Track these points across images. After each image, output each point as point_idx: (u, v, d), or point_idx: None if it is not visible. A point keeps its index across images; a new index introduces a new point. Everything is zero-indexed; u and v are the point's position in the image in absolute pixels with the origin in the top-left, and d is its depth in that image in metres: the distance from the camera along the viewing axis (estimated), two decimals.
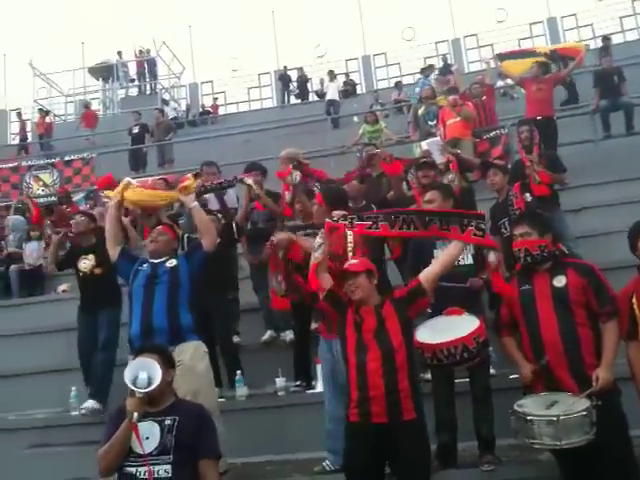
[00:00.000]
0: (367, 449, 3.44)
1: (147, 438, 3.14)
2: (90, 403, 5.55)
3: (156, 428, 3.18)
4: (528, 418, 3.35)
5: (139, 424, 3.14)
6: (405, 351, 3.50)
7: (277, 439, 5.10)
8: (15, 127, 19.76)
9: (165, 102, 19.28)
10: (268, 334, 6.25)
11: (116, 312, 5.81)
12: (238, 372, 5.52)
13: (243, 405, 5.38)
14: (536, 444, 3.36)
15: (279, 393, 5.45)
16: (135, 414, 3.09)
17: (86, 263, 5.84)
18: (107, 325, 5.73)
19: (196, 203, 4.78)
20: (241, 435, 4.91)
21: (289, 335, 5.99)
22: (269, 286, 5.93)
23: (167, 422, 3.19)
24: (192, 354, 4.38)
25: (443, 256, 3.87)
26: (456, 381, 4.35)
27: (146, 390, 3.11)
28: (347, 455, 3.62)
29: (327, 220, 3.91)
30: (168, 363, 3.35)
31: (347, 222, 3.83)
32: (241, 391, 5.45)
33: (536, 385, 3.66)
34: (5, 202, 11.54)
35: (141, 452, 3.11)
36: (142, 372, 3.15)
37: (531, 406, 3.44)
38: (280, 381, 5.47)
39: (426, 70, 15.59)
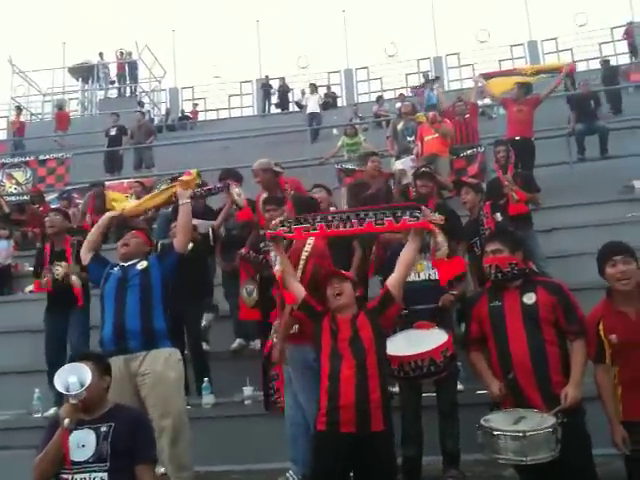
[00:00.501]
0: (333, 458, 3.42)
1: (83, 446, 3.13)
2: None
3: (92, 436, 3.16)
4: (495, 433, 3.34)
5: (75, 432, 3.12)
6: (377, 362, 3.50)
7: (243, 448, 5.07)
8: None
9: (140, 104, 19.17)
10: (237, 342, 6.22)
11: (86, 313, 5.75)
12: (205, 379, 5.47)
13: (209, 413, 5.34)
14: (502, 459, 3.36)
15: (246, 402, 5.41)
16: (66, 420, 3.07)
17: (59, 270, 5.71)
18: (80, 325, 5.69)
19: (188, 201, 4.71)
20: (206, 443, 4.85)
21: (259, 344, 5.94)
22: (239, 295, 5.94)
23: (103, 429, 3.18)
24: (164, 362, 4.33)
25: (402, 257, 3.85)
26: (423, 395, 4.36)
27: (75, 394, 3.08)
28: (313, 463, 3.59)
29: (266, 231, 3.91)
30: (103, 370, 3.34)
31: (285, 227, 3.84)
32: (208, 399, 5.41)
33: (504, 401, 3.67)
34: None
35: (74, 460, 3.09)
36: (72, 377, 3.13)
37: (498, 421, 3.44)
38: (247, 390, 5.43)
39: (430, 83, 15.56)
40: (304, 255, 4.06)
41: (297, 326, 4.00)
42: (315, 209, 4.56)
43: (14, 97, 20.82)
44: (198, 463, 4.57)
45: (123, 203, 4.98)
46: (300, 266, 4.03)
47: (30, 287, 8.16)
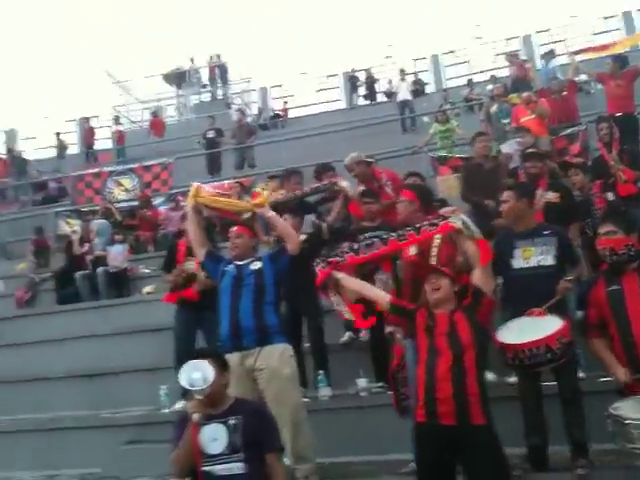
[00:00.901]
0: (436, 449, 3.45)
1: (215, 439, 3.30)
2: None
3: (222, 429, 3.33)
4: (626, 422, 3.28)
5: (205, 427, 3.30)
6: (475, 355, 3.49)
7: (362, 440, 5.13)
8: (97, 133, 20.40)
9: (228, 106, 19.69)
10: (347, 335, 6.28)
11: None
12: (321, 372, 5.58)
13: (327, 405, 5.43)
14: (637, 449, 3.27)
15: (361, 394, 5.46)
16: (196, 415, 3.25)
17: (191, 264, 5.98)
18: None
19: (272, 213, 4.89)
20: (327, 435, 4.92)
21: (366, 335, 5.93)
22: None
23: (231, 422, 3.35)
24: (279, 358, 4.49)
25: (471, 257, 3.85)
26: (544, 383, 4.28)
27: (200, 389, 3.26)
28: (417, 455, 3.64)
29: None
30: (221, 366, 3.49)
31: (321, 265, 4.09)
32: (324, 391, 5.50)
33: (633, 387, 3.58)
34: (90, 207, 12.04)
35: (210, 453, 3.27)
36: (195, 373, 3.30)
37: (628, 409, 3.36)
38: (362, 382, 5.48)
39: (547, 55, 15.09)
40: (436, 242, 4.12)
41: None
42: (433, 196, 4.61)
43: (115, 107, 21.87)
44: (320, 455, 4.67)
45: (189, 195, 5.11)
46: (434, 254, 4.10)
47: (148, 288, 8.68)
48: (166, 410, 5.91)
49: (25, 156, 19.45)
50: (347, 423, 5.29)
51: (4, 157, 18.96)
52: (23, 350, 8.11)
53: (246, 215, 5.41)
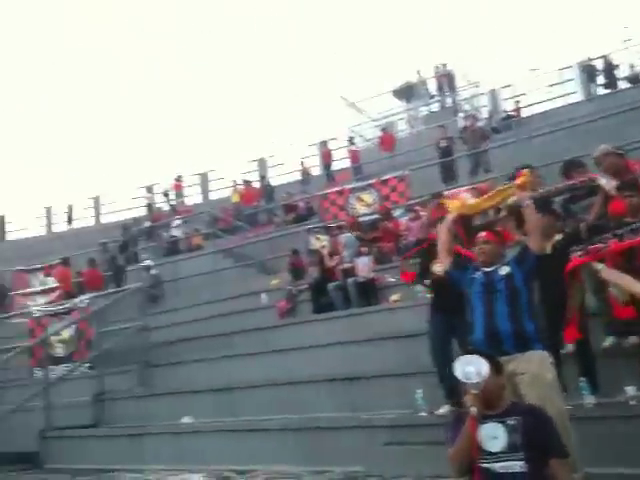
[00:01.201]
0: None
1: (494, 438, 3.33)
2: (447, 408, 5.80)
3: (500, 429, 3.36)
4: None
5: (483, 425, 3.34)
6: None
7: (632, 451, 4.78)
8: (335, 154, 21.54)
9: (455, 114, 19.58)
10: (609, 340, 5.92)
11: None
12: (583, 379, 5.35)
13: (591, 413, 5.19)
14: None
15: (631, 402, 5.14)
16: (473, 408, 3.30)
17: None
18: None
19: (530, 202, 4.77)
20: (589, 444, 4.66)
21: (634, 339, 5.56)
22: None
23: (510, 422, 3.36)
24: (539, 364, 4.42)
25: None
26: None
27: (474, 383, 3.30)
28: None
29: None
30: (497, 367, 3.50)
31: (578, 254, 4.08)
32: (587, 399, 5.28)
33: None
34: (336, 223, 12.82)
35: (490, 450, 3.30)
36: (469, 367, 3.36)
37: None
38: (630, 390, 5.17)
39: None
40: None
41: None
42: None
43: (350, 127, 22.97)
44: (585, 464, 4.43)
45: (456, 203, 5.16)
46: None
47: (395, 297, 9.08)
48: (423, 413, 6.06)
49: (272, 182, 21.36)
50: (614, 432, 4.99)
51: (257, 184, 20.97)
52: (286, 356, 8.85)
53: (503, 213, 5.38)
